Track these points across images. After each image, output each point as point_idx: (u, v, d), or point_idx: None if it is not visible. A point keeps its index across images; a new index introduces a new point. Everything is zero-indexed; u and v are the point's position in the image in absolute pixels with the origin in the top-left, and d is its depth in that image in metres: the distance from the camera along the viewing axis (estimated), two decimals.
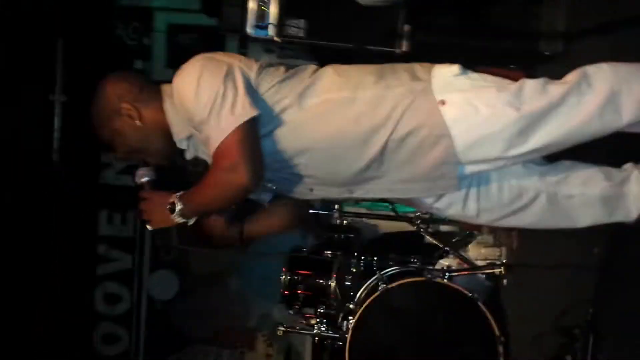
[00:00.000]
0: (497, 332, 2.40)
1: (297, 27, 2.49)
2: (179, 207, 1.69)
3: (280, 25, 2.48)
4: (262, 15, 2.45)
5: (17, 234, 3.07)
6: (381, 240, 2.94)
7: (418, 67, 1.72)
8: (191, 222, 1.77)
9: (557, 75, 1.70)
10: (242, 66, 1.68)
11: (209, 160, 1.72)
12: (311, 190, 1.81)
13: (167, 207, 1.71)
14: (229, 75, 1.63)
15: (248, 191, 1.67)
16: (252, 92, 1.65)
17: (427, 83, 1.65)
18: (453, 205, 1.80)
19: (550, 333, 2.44)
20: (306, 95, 1.68)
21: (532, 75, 1.70)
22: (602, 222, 1.81)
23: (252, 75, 1.68)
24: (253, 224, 2.09)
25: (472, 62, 1.73)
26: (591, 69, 1.64)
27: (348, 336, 2.46)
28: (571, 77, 1.65)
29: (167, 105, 1.76)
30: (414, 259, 2.78)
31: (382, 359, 2.47)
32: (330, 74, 1.72)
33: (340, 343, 2.56)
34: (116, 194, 3.52)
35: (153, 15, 3.53)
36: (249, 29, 2.49)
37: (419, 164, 1.68)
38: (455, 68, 1.67)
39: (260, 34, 2.47)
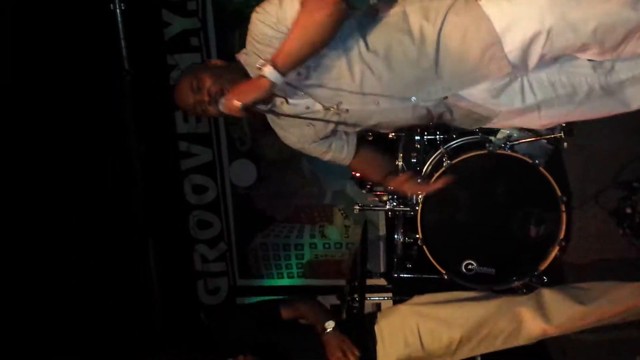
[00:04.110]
0: (558, 192, 2.54)
1: None
2: (268, 69, 1.78)
3: None
4: None
5: (102, 141, 3.36)
6: None
7: None
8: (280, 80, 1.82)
9: None
10: None
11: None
12: (377, 103, 1.96)
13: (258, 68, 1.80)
14: None
15: (342, 11, 1.73)
16: None
17: None
18: (514, 101, 1.90)
19: (610, 188, 2.57)
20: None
21: None
22: None
23: None
24: None
25: None
26: None
27: (418, 208, 2.66)
28: None
29: (242, 57, 1.97)
30: (476, 129, 2.89)
31: (451, 225, 2.67)
32: None
33: (412, 214, 2.77)
34: None
35: None
36: None
37: (469, 53, 1.80)
38: None
39: None
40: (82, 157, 3.17)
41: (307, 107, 2.03)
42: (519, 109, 1.94)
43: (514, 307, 2.23)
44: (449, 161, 2.58)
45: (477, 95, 1.94)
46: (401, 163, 2.75)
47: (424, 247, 2.66)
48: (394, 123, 2.13)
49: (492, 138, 2.76)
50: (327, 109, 1.99)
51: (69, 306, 2.94)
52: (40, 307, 2.77)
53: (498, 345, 2.24)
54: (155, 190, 3.65)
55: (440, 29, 1.77)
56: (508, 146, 2.59)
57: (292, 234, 3.84)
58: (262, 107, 2.01)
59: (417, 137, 2.92)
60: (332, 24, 1.74)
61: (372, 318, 2.36)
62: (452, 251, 2.68)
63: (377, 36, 1.84)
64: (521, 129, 2.78)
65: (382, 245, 3.70)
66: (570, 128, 2.60)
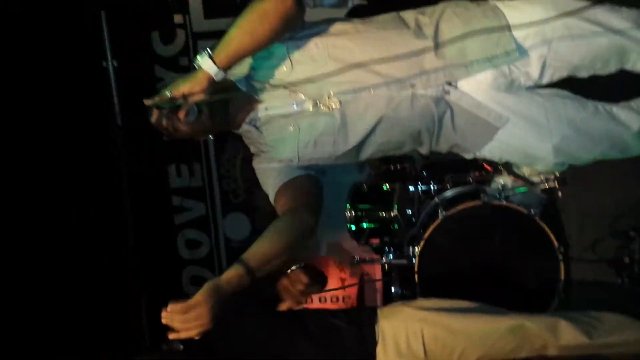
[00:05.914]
0: (555, 242, 2.53)
1: None
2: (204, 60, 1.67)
3: None
4: None
5: (95, 197, 3.34)
6: (435, 165, 3.03)
7: None
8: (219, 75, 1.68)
9: None
10: None
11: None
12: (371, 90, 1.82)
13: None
14: None
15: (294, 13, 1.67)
16: None
17: None
18: (520, 102, 1.87)
19: (607, 237, 2.55)
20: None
21: None
22: None
23: None
24: None
25: None
26: None
27: (415, 260, 2.64)
28: None
29: None
30: (470, 179, 2.89)
31: (449, 277, 2.63)
32: None
33: (409, 266, 2.75)
34: (180, 147, 3.70)
35: None
36: None
37: (473, 33, 1.78)
38: None
39: None
40: (72, 213, 3.14)
41: (296, 106, 1.87)
42: (528, 116, 1.87)
43: (522, 325, 2.16)
44: (444, 212, 2.57)
45: (481, 92, 1.85)
46: (396, 214, 2.75)
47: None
48: (394, 129, 1.90)
49: (487, 188, 2.77)
50: (317, 105, 1.83)
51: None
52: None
53: (500, 357, 2.18)
54: (148, 247, 3.60)
55: (439, 18, 1.79)
56: (503, 196, 2.59)
57: None
58: (246, 126, 1.92)
59: (412, 188, 2.94)
60: (278, 15, 1.65)
61: (371, 316, 2.26)
62: None
63: (369, 24, 1.85)
64: (515, 179, 2.81)
65: (378, 297, 3.64)
66: (563, 177, 2.61)
